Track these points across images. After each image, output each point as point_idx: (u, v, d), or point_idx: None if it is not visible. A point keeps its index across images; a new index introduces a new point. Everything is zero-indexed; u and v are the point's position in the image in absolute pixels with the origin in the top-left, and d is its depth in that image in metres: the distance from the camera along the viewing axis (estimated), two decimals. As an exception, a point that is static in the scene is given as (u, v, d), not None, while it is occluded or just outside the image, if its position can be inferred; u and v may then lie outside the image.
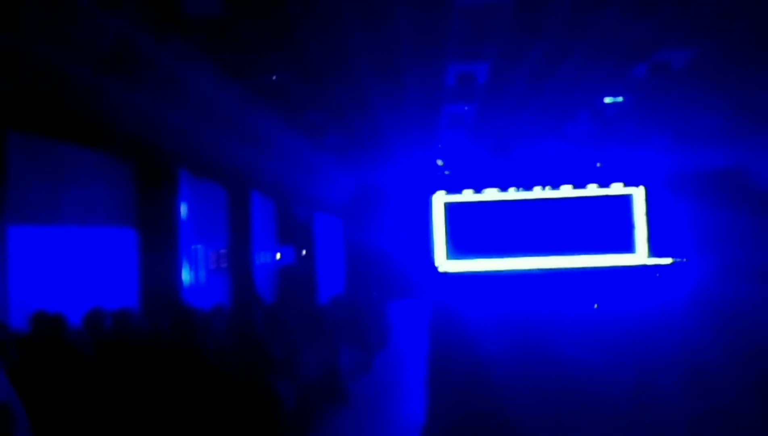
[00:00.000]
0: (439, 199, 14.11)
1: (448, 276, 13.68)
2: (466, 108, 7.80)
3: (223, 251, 8.34)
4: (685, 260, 13.27)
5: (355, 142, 9.63)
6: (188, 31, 5.02)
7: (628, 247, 13.89)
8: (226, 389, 3.18)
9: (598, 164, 12.91)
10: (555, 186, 13.77)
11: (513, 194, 13.90)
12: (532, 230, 13.89)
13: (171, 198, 6.51)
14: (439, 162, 12.02)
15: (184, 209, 6.73)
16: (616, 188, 13.82)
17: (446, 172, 12.79)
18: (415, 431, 4.07)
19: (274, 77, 6.18)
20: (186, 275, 6.72)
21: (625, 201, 13.94)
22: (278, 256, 10.26)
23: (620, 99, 7.40)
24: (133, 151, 5.89)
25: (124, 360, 3.02)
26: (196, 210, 7.29)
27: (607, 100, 7.44)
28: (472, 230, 14.00)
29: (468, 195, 13.98)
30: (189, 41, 5.22)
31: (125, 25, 4.48)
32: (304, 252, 11.44)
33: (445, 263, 14.00)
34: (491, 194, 13.95)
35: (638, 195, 13.89)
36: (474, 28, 5.22)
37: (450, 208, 14.11)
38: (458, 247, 14.00)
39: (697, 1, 4.60)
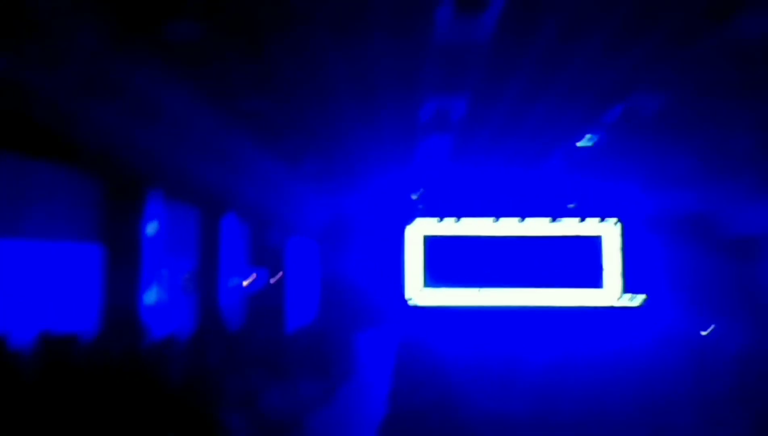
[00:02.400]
0: (416, 231, 14.11)
1: (418, 310, 13.63)
2: (442, 141, 7.83)
3: (191, 273, 8.19)
4: (652, 299, 13.41)
5: (331, 170, 9.60)
6: (166, 55, 4.98)
7: (598, 283, 14.02)
8: (171, 421, 3.06)
9: (571, 205, 13.11)
10: (531, 218, 13.90)
11: (489, 228, 13.97)
12: (506, 263, 13.95)
13: (138, 217, 6.40)
14: (414, 196, 12.07)
15: (152, 229, 6.61)
16: (591, 224, 13.97)
17: (420, 207, 12.83)
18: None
19: (251, 103, 6.15)
20: (149, 297, 6.57)
21: (597, 239, 14.11)
22: (246, 282, 10.11)
23: (590, 144, 7.51)
24: (103, 168, 5.81)
25: (64, 385, 2.89)
26: (165, 230, 7.17)
27: (579, 144, 7.55)
28: (448, 263, 14.00)
29: (445, 227, 14.01)
30: (166, 64, 5.18)
31: (100, 46, 4.44)
32: (275, 277, 11.31)
33: (419, 292, 13.94)
34: (468, 227, 14.00)
35: (612, 232, 14.05)
36: (451, 65, 5.27)
37: (428, 240, 14.12)
38: (434, 277, 13.98)
39: (667, 48, 4.69)
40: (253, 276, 9.85)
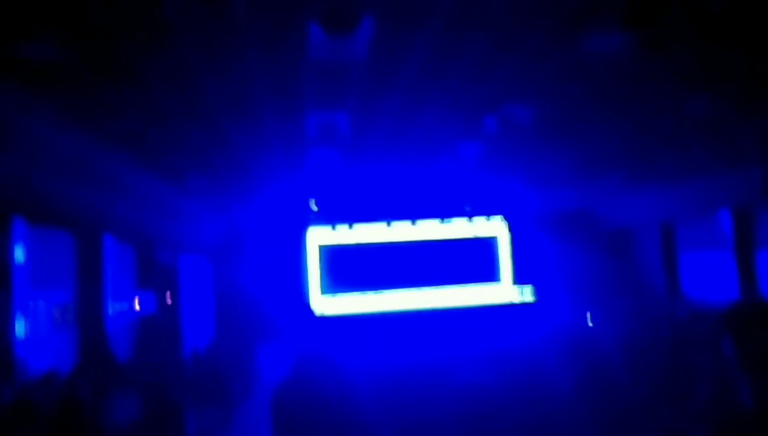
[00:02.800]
0: (313, 239, 14.06)
1: (322, 318, 13.56)
2: (329, 152, 7.85)
3: (68, 303, 7.65)
4: (543, 293, 14.18)
5: (220, 184, 9.34)
6: (22, 76, 4.63)
7: (493, 278, 14.65)
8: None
9: (467, 208, 13.59)
10: (422, 219, 14.28)
11: (384, 233, 14.18)
12: (404, 266, 14.23)
13: (1, 247, 5.91)
14: (313, 206, 12.02)
15: (19, 257, 6.12)
16: (481, 224, 14.57)
17: (315, 211, 12.79)
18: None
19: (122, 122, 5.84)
20: (19, 331, 6.08)
21: (491, 239, 14.73)
22: (137, 304, 9.60)
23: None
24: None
25: None
26: (35, 259, 6.66)
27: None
28: (344, 271, 14.06)
29: (340, 233, 14.06)
30: (23, 85, 4.81)
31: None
32: (168, 300, 10.83)
33: (318, 299, 13.90)
34: (363, 233, 14.13)
35: (502, 231, 14.72)
36: (329, 81, 5.28)
37: (322, 249, 14.10)
38: (332, 287, 13.98)
39: (531, 65, 4.97)
40: (137, 300, 9.37)
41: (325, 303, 13.92)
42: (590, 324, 9.26)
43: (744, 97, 6.31)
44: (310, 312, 13.61)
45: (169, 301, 10.17)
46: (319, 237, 14.13)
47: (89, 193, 7.04)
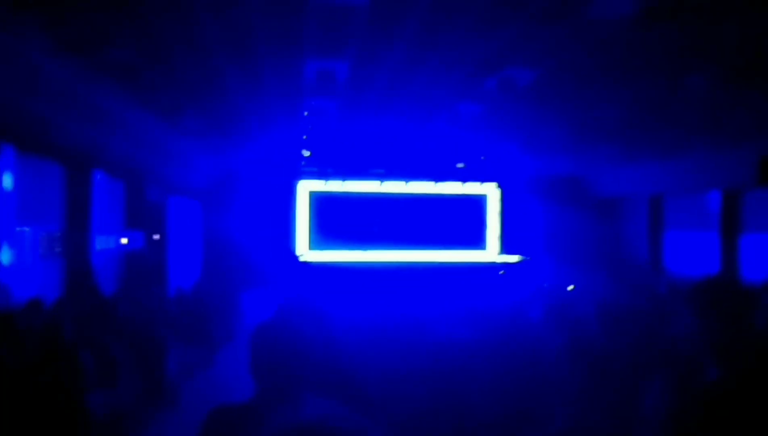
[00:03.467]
0: (304, 188, 14.05)
1: (309, 266, 13.66)
2: (327, 102, 7.76)
3: (56, 233, 7.67)
4: (529, 258, 14.34)
5: (213, 126, 9.24)
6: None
7: (480, 243, 14.77)
8: (22, 400, 2.90)
9: (460, 165, 13.51)
10: (416, 180, 14.26)
11: (376, 187, 14.19)
12: (392, 223, 14.28)
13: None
14: (306, 153, 11.91)
15: (7, 184, 6.09)
16: (473, 187, 14.60)
17: (305, 161, 12.70)
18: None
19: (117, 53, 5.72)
20: (4, 258, 6.10)
21: (481, 200, 14.78)
22: (124, 241, 9.63)
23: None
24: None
25: None
26: (24, 189, 6.62)
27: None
28: (334, 221, 14.10)
29: (332, 185, 14.05)
30: (15, 10, 4.68)
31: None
32: (156, 237, 10.85)
33: (307, 252, 13.98)
34: (355, 186, 14.12)
35: (492, 195, 14.77)
36: (330, 28, 5.18)
37: (314, 197, 14.10)
38: (320, 237, 14.04)
39: (535, 28, 4.91)
40: (125, 237, 9.39)
41: (312, 252, 14.02)
42: (571, 288, 9.42)
43: (742, 78, 6.29)
44: (296, 260, 13.72)
45: (156, 238, 10.20)
46: (310, 187, 14.13)
47: (81, 126, 6.96)
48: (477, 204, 14.75)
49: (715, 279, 2.49)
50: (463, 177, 14.31)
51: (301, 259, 13.76)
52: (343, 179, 14.00)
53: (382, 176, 14.05)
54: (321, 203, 14.08)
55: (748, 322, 2.61)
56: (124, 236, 9.48)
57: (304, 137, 10.23)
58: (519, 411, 2.42)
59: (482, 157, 12.74)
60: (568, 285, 10.58)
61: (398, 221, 14.28)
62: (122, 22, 5.09)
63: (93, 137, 7.37)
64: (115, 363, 4.03)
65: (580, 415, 2.22)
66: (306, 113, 8.30)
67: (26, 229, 6.90)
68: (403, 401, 2.26)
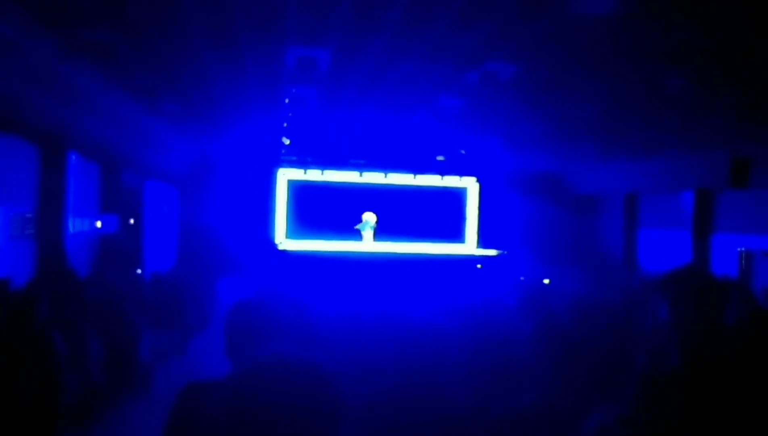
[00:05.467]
0: (283, 176, 13.98)
1: (286, 254, 13.62)
2: (308, 90, 7.72)
3: (28, 215, 7.53)
4: (506, 252, 14.47)
5: (193, 111, 9.14)
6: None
7: (459, 236, 14.85)
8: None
9: (440, 158, 13.55)
10: (395, 172, 14.27)
11: (355, 178, 14.18)
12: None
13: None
14: (286, 141, 11.84)
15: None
16: (452, 180, 14.65)
17: (284, 149, 12.62)
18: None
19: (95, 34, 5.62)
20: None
21: (460, 194, 14.85)
22: (99, 224, 9.49)
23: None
24: None
25: None
26: (-5, 169, 6.50)
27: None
28: (312, 210, 14.07)
29: (312, 174, 14.00)
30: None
31: None
32: (131, 221, 10.72)
33: (284, 241, 13.93)
34: (334, 176, 14.09)
35: (472, 189, 14.85)
36: (313, 15, 5.16)
37: (292, 186, 14.04)
38: (298, 226, 14.00)
39: (516, 23, 4.94)
40: (100, 220, 9.25)
41: (289, 241, 13.97)
42: (546, 282, 9.53)
43: (720, 80, 6.41)
44: (274, 248, 13.67)
45: (131, 222, 10.08)
46: (289, 176, 14.06)
47: (55, 106, 6.83)
48: (456, 197, 14.82)
49: (686, 269, 2.55)
50: (443, 170, 14.36)
51: (279, 247, 13.72)
52: (323, 169, 13.97)
53: (362, 167, 14.04)
54: (300, 192, 14.03)
55: (715, 313, 2.69)
56: (98, 220, 9.35)
57: (285, 125, 10.16)
58: (489, 388, 2.47)
59: (462, 151, 12.78)
60: (545, 279, 10.70)
61: (377, 212, 14.29)
62: (100, 0, 5.01)
63: (68, 118, 7.24)
64: (87, 345, 3.98)
65: (547, 393, 2.26)
66: (287, 100, 8.25)
67: (-3, 209, 6.79)
68: (375, 378, 2.29)
